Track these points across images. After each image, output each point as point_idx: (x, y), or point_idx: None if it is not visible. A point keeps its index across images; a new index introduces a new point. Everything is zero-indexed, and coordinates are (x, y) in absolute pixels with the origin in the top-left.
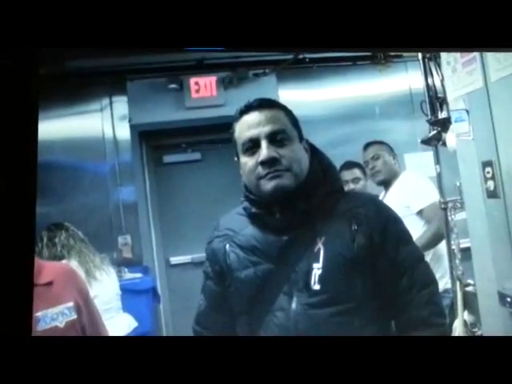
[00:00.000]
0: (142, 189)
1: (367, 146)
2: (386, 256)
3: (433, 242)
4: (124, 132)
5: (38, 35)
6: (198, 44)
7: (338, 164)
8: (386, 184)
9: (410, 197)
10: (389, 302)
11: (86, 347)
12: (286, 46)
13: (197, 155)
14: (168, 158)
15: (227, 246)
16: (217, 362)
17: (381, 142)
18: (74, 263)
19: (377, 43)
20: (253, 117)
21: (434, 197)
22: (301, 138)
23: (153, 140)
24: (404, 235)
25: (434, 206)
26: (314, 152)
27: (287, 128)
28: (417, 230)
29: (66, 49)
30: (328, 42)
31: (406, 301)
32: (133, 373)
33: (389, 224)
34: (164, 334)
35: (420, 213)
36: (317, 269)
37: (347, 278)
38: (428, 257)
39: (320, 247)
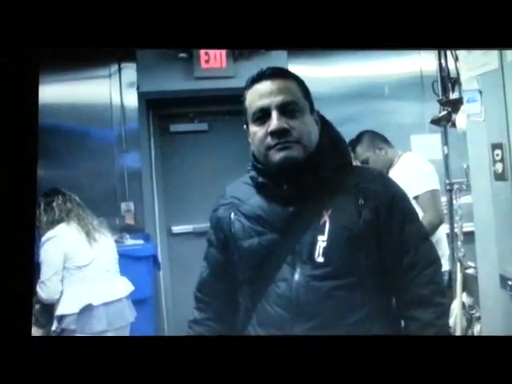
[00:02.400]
0: (147, 157)
1: (352, 150)
2: (391, 232)
3: (428, 231)
4: (131, 99)
5: (37, 35)
6: (200, 44)
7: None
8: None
9: (407, 181)
10: (391, 278)
11: (86, 347)
12: (288, 45)
13: (203, 126)
14: (174, 128)
15: (232, 214)
16: (216, 362)
17: (360, 140)
18: (73, 226)
19: (377, 43)
20: (265, 86)
21: (431, 185)
22: (312, 109)
23: (160, 108)
24: (410, 213)
25: (430, 194)
26: (324, 124)
27: (299, 99)
28: None
29: (65, 49)
30: (329, 41)
31: (408, 278)
32: (133, 372)
33: (396, 201)
34: (163, 301)
35: (416, 199)
36: (321, 241)
37: (351, 252)
38: None
39: (326, 220)
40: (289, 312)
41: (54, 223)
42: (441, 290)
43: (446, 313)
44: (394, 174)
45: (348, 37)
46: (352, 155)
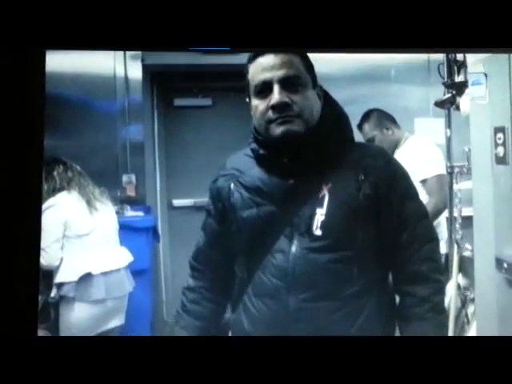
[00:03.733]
0: (150, 129)
1: (359, 127)
2: (390, 209)
3: (432, 216)
4: (136, 72)
5: (42, 36)
6: (203, 44)
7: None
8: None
9: (415, 164)
10: (389, 254)
11: (90, 347)
12: (290, 45)
13: (207, 101)
14: (178, 102)
15: (232, 185)
16: (215, 362)
17: (368, 118)
18: (74, 194)
19: (377, 44)
20: (267, 59)
21: (439, 169)
22: (315, 84)
23: (164, 82)
24: (410, 191)
25: (438, 179)
26: (327, 100)
27: (301, 73)
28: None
29: (70, 49)
30: (332, 42)
31: (406, 254)
32: (136, 372)
33: (397, 178)
34: (162, 273)
35: (423, 182)
36: (320, 214)
37: (349, 226)
38: None
39: (325, 194)
40: (284, 282)
41: (54, 191)
42: (438, 267)
43: (441, 290)
44: (401, 156)
45: (348, 37)
46: (360, 133)
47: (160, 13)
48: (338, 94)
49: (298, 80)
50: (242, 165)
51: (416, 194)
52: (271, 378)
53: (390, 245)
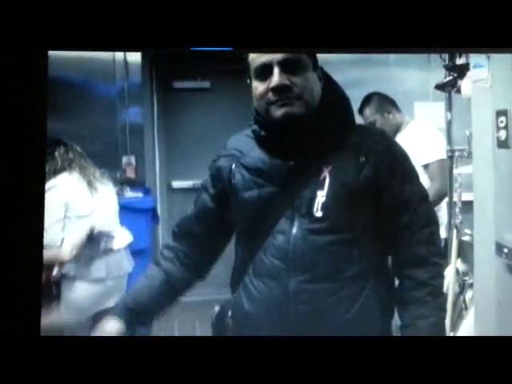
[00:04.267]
0: (150, 112)
1: (360, 111)
2: (390, 191)
3: (435, 201)
4: (135, 55)
5: (44, 36)
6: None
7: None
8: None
9: (417, 148)
10: (389, 236)
11: (94, 347)
12: (293, 46)
13: (206, 84)
14: (178, 84)
15: (233, 165)
16: (215, 362)
17: (369, 102)
18: (75, 175)
19: (379, 43)
20: None
21: (441, 153)
22: (315, 66)
23: (163, 65)
24: (411, 173)
25: (440, 163)
26: (328, 82)
27: (301, 55)
28: None
29: (72, 50)
30: (336, 42)
31: (406, 237)
32: (140, 372)
33: (397, 160)
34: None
35: (425, 167)
36: (321, 196)
37: (350, 208)
38: None
39: (326, 175)
40: (285, 263)
41: (55, 172)
42: (438, 251)
43: (441, 273)
44: (402, 140)
45: (350, 37)
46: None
47: (161, 13)
48: (337, 78)
49: (299, 62)
50: (243, 146)
51: (416, 177)
52: (271, 378)
53: (390, 227)
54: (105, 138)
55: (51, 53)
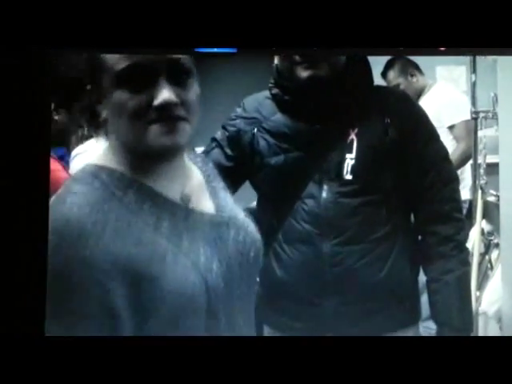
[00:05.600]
0: None
1: (383, 75)
2: (415, 152)
3: (461, 161)
4: None
5: (49, 36)
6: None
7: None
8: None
9: (442, 110)
10: (414, 195)
11: (98, 347)
12: (296, 46)
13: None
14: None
15: (255, 130)
16: (215, 362)
17: (392, 65)
18: (101, 142)
19: (380, 43)
20: None
21: (466, 115)
22: None
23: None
24: (433, 133)
25: (466, 124)
26: None
27: None
28: (446, 144)
29: (77, 50)
30: (337, 42)
31: (430, 195)
32: (144, 372)
33: (421, 121)
34: None
35: (451, 128)
36: (349, 159)
37: (378, 169)
38: None
39: (353, 138)
40: (317, 228)
41: (82, 139)
42: (459, 207)
43: (464, 228)
44: (426, 102)
45: (353, 37)
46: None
47: (163, 13)
48: None
49: None
50: (265, 109)
51: (438, 137)
52: (271, 378)
53: (416, 186)
54: None
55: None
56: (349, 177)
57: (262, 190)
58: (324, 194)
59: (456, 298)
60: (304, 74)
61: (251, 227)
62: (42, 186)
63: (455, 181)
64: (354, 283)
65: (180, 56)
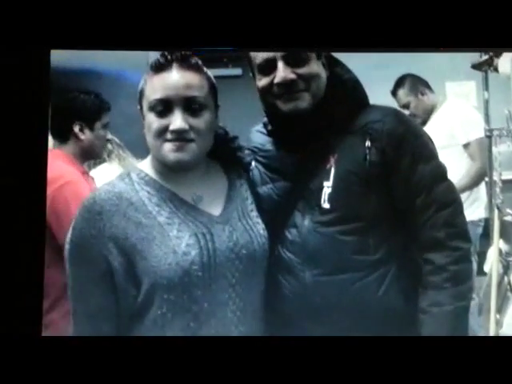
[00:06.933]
0: None
1: (393, 93)
2: (400, 173)
3: (477, 180)
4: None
5: (48, 36)
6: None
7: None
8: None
9: (456, 126)
10: (405, 220)
11: (95, 347)
12: (294, 45)
13: (238, 71)
14: (209, 72)
15: (253, 162)
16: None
17: (402, 83)
18: (114, 166)
19: (382, 43)
20: None
21: (480, 132)
22: (319, 54)
23: (196, 52)
24: (423, 152)
25: (481, 142)
26: (335, 66)
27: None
28: (460, 162)
29: (75, 49)
30: (339, 41)
31: (421, 220)
32: (141, 372)
33: (406, 139)
34: None
35: (466, 146)
36: (327, 187)
37: (358, 196)
38: None
39: (332, 165)
40: (299, 257)
41: (95, 164)
42: (458, 232)
43: (463, 258)
44: (439, 120)
45: (355, 37)
46: (393, 99)
47: (164, 13)
48: (366, 59)
49: (303, 54)
50: (258, 140)
51: (430, 155)
52: (271, 378)
53: (405, 211)
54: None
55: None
56: (326, 205)
57: None
58: (306, 223)
59: (442, 334)
60: (285, 107)
61: (253, 233)
62: (41, 184)
63: (453, 204)
64: (341, 314)
65: (196, 94)
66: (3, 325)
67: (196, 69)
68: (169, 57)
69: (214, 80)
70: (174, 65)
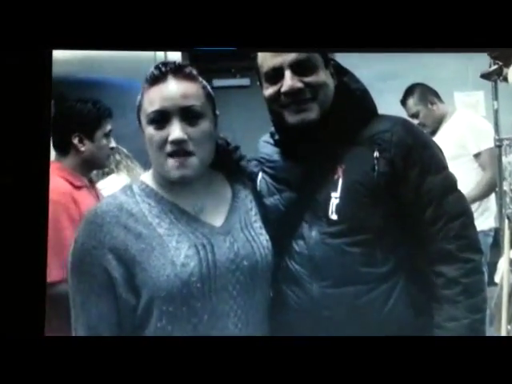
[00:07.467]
0: None
1: (403, 103)
2: (409, 184)
3: (488, 190)
4: (175, 53)
5: (49, 37)
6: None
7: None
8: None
9: (467, 137)
10: (414, 232)
11: (98, 347)
12: (297, 45)
13: (246, 81)
14: (217, 82)
15: (261, 173)
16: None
17: (412, 93)
18: (123, 177)
19: (383, 43)
20: None
21: (491, 142)
22: (327, 63)
23: (203, 63)
24: (432, 163)
25: (491, 152)
26: (343, 76)
27: (313, 56)
28: (470, 173)
29: (77, 49)
30: (340, 41)
31: (432, 232)
32: (143, 371)
33: (414, 149)
34: None
35: (477, 156)
36: (334, 198)
37: (366, 207)
38: None
39: (339, 176)
40: (306, 269)
41: (103, 175)
42: (470, 244)
43: (475, 270)
44: (449, 130)
45: (357, 37)
46: (402, 108)
47: (165, 12)
48: (374, 69)
49: (309, 62)
50: (266, 151)
51: (440, 166)
52: (271, 378)
53: (414, 223)
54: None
55: (90, 54)
56: (334, 217)
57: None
58: (313, 235)
59: None
60: (292, 119)
61: (255, 244)
62: (42, 185)
63: (463, 215)
64: (349, 326)
65: (193, 103)
66: (6, 325)
67: (191, 78)
68: (163, 68)
69: (210, 89)
70: (169, 76)
